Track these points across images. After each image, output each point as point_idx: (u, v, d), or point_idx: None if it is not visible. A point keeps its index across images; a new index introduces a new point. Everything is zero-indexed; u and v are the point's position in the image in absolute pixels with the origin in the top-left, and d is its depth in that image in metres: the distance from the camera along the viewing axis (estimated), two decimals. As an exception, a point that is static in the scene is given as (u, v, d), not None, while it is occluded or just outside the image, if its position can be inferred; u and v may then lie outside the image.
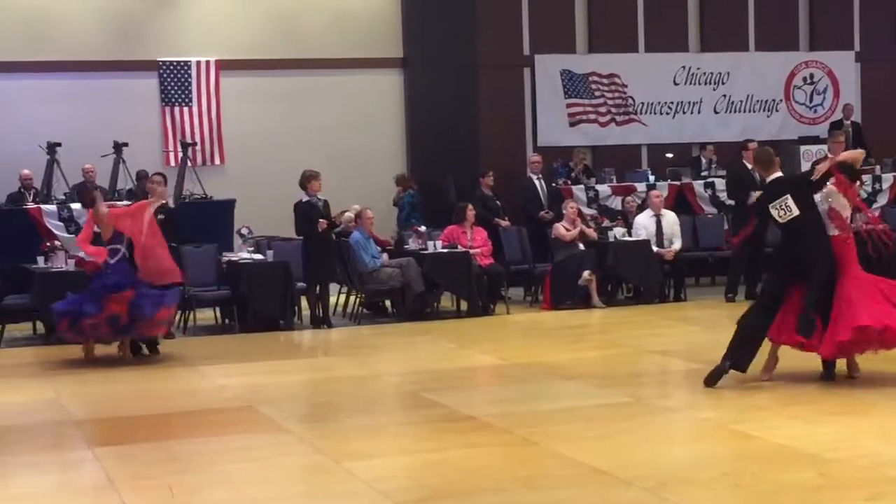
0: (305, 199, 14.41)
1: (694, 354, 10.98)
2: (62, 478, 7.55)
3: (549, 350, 12.08)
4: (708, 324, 13.55)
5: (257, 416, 9.17)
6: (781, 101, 21.03)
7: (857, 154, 10.24)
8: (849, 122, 19.77)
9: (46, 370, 11.53)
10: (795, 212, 9.46)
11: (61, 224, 15.35)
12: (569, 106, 20.01)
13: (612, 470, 7.03)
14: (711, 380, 9.47)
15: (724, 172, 18.01)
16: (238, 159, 18.62)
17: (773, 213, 9.57)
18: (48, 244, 14.36)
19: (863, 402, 8.95)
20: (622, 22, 20.31)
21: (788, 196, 9.50)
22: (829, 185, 9.57)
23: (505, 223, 16.66)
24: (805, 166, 17.42)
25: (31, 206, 15.66)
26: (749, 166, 15.17)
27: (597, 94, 20.13)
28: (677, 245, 15.87)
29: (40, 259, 13.92)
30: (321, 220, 14.25)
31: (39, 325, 13.93)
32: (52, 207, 15.53)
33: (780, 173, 9.94)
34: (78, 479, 7.44)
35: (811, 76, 21.19)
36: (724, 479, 6.86)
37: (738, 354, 9.48)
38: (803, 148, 18.71)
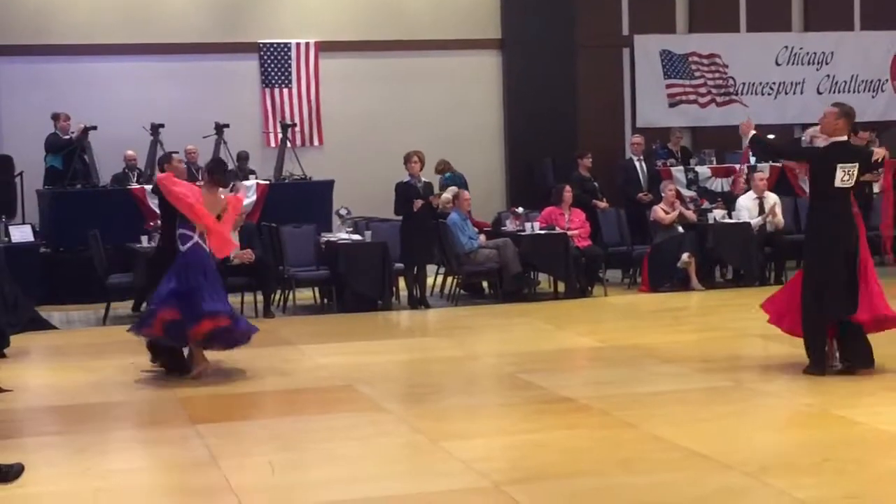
0: (405, 179, 14.47)
1: (795, 338, 10.79)
2: (165, 453, 7.66)
3: (646, 333, 12.00)
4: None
5: (356, 395, 9.24)
6: (887, 80, 20.64)
7: None
8: (956, 101, 19.36)
9: (150, 348, 11.67)
10: (852, 183, 9.24)
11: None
12: (668, 87, 19.85)
13: (711, 454, 6.97)
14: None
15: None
16: (337, 140, 18.74)
17: (839, 174, 9.16)
18: (151, 224, 14.57)
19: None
20: (723, 1, 20.06)
21: (857, 166, 9.24)
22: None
23: (603, 205, 16.56)
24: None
25: (134, 186, 15.91)
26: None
27: (697, 74, 19.93)
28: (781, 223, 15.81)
29: (144, 238, 14.14)
30: (416, 200, 14.30)
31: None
32: (156, 188, 15.74)
33: (844, 137, 9.44)
34: (181, 455, 7.53)
35: (918, 55, 20.80)
36: (826, 465, 6.76)
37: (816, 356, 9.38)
38: (909, 129, 18.39)
